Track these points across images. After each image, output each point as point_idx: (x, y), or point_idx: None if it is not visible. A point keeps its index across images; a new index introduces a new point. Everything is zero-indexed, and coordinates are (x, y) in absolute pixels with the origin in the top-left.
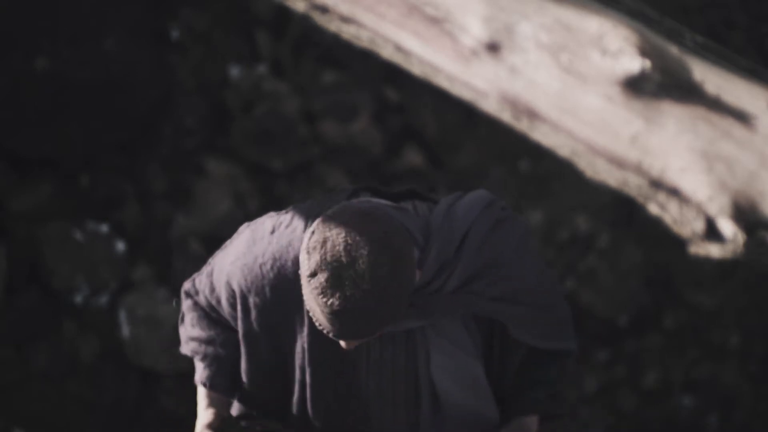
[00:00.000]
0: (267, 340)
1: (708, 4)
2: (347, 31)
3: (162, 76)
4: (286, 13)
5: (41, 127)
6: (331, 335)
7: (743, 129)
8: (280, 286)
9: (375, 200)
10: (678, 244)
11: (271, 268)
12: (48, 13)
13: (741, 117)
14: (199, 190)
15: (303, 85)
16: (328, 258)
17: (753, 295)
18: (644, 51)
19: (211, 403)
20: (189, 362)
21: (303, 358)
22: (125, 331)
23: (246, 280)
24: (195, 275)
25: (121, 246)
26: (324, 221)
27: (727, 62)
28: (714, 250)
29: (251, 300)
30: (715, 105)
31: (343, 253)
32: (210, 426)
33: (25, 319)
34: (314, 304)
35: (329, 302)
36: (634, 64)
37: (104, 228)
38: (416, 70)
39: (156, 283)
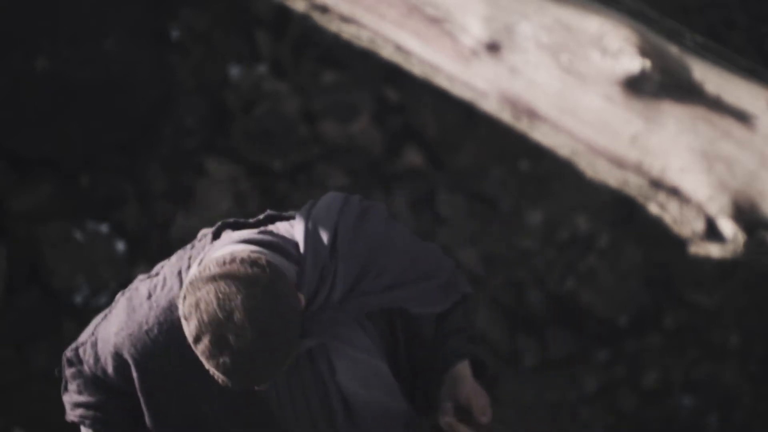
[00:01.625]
0: (175, 399)
1: (708, 4)
2: (347, 31)
3: (162, 76)
4: (286, 13)
5: (41, 127)
6: (238, 389)
7: (743, 129)
8: (173, 348)
9: (236, 236)
10: (678, 244)
11: (159, 332)
12: (48, 13)
13: (741, 117)
14: (199, 190)
15: (303, 85)
16: (206, 320)
17: (753, 295)
18: (644, 51)
19: None
20: None
21: (215, 406)
22: None
23: (136, 348)
24: (76, 344)
25: (121, 246)
26: (192, 283)
27: (727, 62)
28: (714, 250)
29: (148, 365)
30: (715, 105)
31: (217, 310)
32: None
33: (25, 319)
34: (208, 365)
35: (221, 362)
36: (634, 64)
37: (104, 228)
38: (416, 70)
39: None
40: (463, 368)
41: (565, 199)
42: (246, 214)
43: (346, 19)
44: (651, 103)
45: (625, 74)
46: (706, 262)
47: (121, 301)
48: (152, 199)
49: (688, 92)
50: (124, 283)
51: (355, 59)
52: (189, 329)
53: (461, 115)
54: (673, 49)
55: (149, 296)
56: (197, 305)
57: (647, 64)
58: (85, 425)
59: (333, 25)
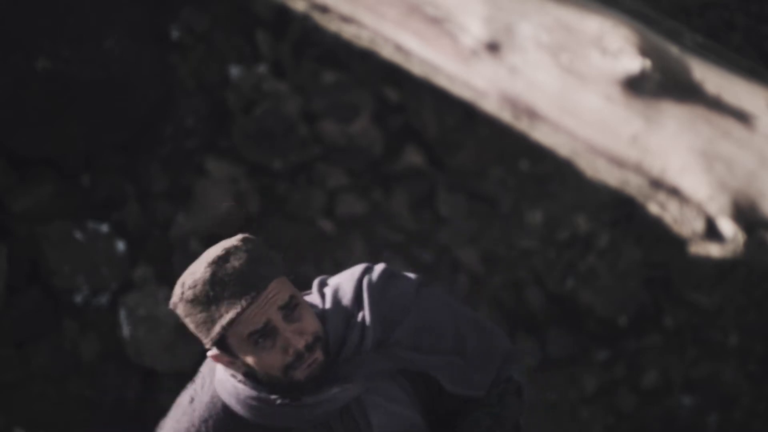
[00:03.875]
0: None
1: (708, 4)
2: (348, 31)
3: (162, 76)
4: (287, 13)
5: (42, 127)
6: (239, 310)
7: (743, 129)
8: None
9: None
10: (678, 243)
11: (207, 429)
12: (49, 14)
13: (741, 117)
14: (199, 190)
15: (303, 85)
16: (200, 262)
17: (752, 295)
18: (644, 51)
19: None
20: (189, 361)
21: None
22: (125, 330)
23: None
24: None
25: (121, 246)
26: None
27: (727, 62)
28: (714, 250)
29: None
30: (715, 105)
31: (215, 257)
32: None
33: (25, 319)
34: (207, 299)
35: (215, 274)
36: (634, 63)
37: (105, 228)
38: (416, 69)
39: (156, 283)
40: None
41: (565, 199)
42: (246, 215)
43: (346, 19)
44: (651, 102)
45: (625, 74)
46: (706, 261)
47: (170, 413)
48: (152, 199)
49: (687, 92)
50: (124, 283)
51: (355, 59)
52: (184, 284)
53: (461, 115)
54: (673, 49)
55: (191, 401)
56: (189, 273)
57: (647, 63)
58: None
59: (333, 25)
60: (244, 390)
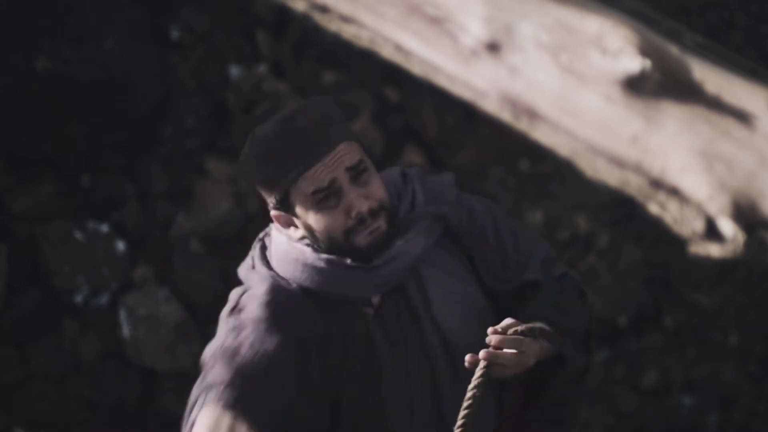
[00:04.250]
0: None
1: (708, 4)
2: (348, 31)
3: (162, 76)
4: (287, 13)
5: (42, 127)
6: (306, 164)
7: (743, 128)
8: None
9: None
10: (678, 243)
11: (284, 311)
12: (49, 13)
13: (741, 117)
14: (199, 190)
15: (303, 85)
16: (272, 124)
17: (752, 295)
18: (644, 51)
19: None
20: (189, 361)
21: (338, 374)
22: (126, 330)
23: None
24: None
25: (121, 246)
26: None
27: (727, 62)
28: (714, 250)
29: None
30: (715, 105)
31: (288, 113)
32: None
33: (25, 319)
34: (275, 153)
35: (285, 128)
36: (634, 63)
37: (105, 228)
38: (416, 69)
39: (156, 283)
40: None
41: (565, 199)
42: (246, 214)
43: (346, 19)
44: (651, 102)
45: (625, 74)
46: (706, 261)
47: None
48: (152, 199)
49: (688, 92)
50: (124, 283)
51: (355, 59)
52: (255, 136)
53: (461, 115)
54: (673, 49)
55: (242, 294)
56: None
57: (647, 63)
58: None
59: (333, 25)
60: (312, 253)
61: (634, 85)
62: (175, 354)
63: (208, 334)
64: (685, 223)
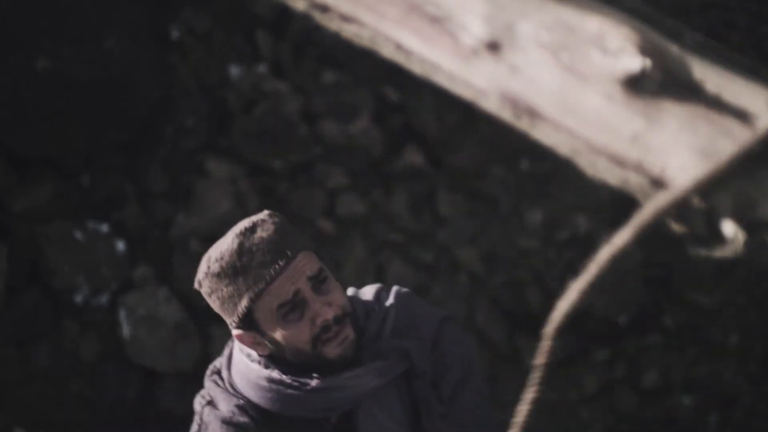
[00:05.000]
0: None
1: (708, 4)
2: (348, 31)
3: (163, 76)
4: (287, 13)
5: (42, 127)
6: (268, 279)
7: (743, 128)
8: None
9: None
10: (678, 244)
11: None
12: (49, 13)
13: (741, 116)
14: (199, 190)
15: (303, 85)
16: (229, 240)
17: (752, 295)
18: (645, 50)
19: None
20: (188, 361)
21: None
22: (126, 330)
23: None
24: None
25: (121, 246)
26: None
27: (728, 62)
28: (714, 250)
29: None
30: (716, 104)
31: (243, 228)
32: None
33: (26, 319)
34: (234, 271)
35: (242, 244)
36: (634, 63)
37: (105, 228)
38: (417, 69)
39: (156, 283)
40: None
41: (565, 199)
42: (246, 214)
43: (346, 19)
44: (651, 102)
45: (626, 73)
46: (706, 261)
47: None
48: (152, 199)
49: (688, 91)
50: (124, 283)
51: (355, 59)
52: (211, 257)
53: (461, 115)
54: (674, 49)
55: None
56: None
57: (648, 63)
58: None
59: (333, 25)
60: (256, 370)
61: (635, 85)
62: (175, 354)
63: (208, 333)
64: (685, 222)
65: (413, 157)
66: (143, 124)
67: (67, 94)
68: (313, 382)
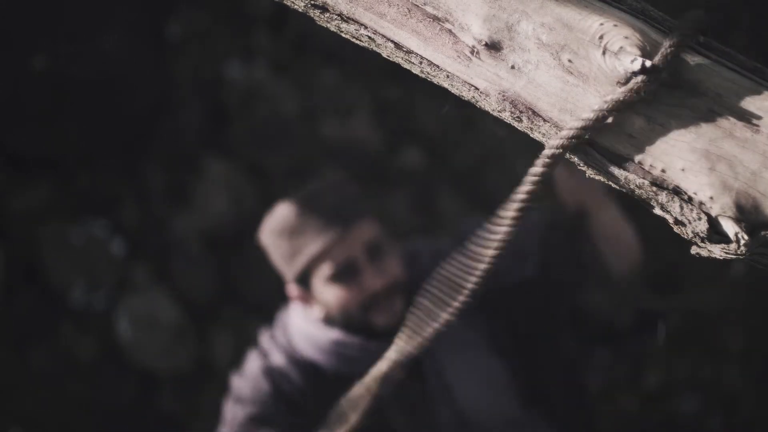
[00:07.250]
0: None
1: (709, 4)
2: (347, 30)
3: (161, 75)
4: (286, 12)
5: (40, 127)
6: (325, 243)
7: (745, 129)
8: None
9: None
10: (679, 244)
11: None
12: (47, 12)
13: (743, 117)
14: (198, 190)
15: (302, 84)
16: (293, 201)
17: (755, 296)
18: (645, 50)
19: None
20: (187, 363)
21: None
22: (124, 331)
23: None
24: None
25: (119, 246)
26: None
27: (730, 62)
28: (716, 251)
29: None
30: (718, 105)
31: (308, 191)
32: None
33: (23, 320)
34: (295, 230)
35: (306, 206)
36: (635, 63)
37: (102, 228)
38: (416, 69)
39: (155, 283)
40: None
41: None
42: (245, 214)
43: (345, 18)
44: (652, 102)
45: (627, 73)
46: (708, 262)
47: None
48: (151, 198)
49: (689, 92)
50: (123, 283)
51: (355, 59)
52: (276, 215)
53: (461, 115)
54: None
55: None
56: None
57: (648, 63)
58: None
59: (332, 24)
60: (319, 332)
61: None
62: (174, 355)
63: (207, 334)
64: (686, 223)
65: (413, 156)
66: (141, 124)
67: (66, 93)
68: (373, 345)
